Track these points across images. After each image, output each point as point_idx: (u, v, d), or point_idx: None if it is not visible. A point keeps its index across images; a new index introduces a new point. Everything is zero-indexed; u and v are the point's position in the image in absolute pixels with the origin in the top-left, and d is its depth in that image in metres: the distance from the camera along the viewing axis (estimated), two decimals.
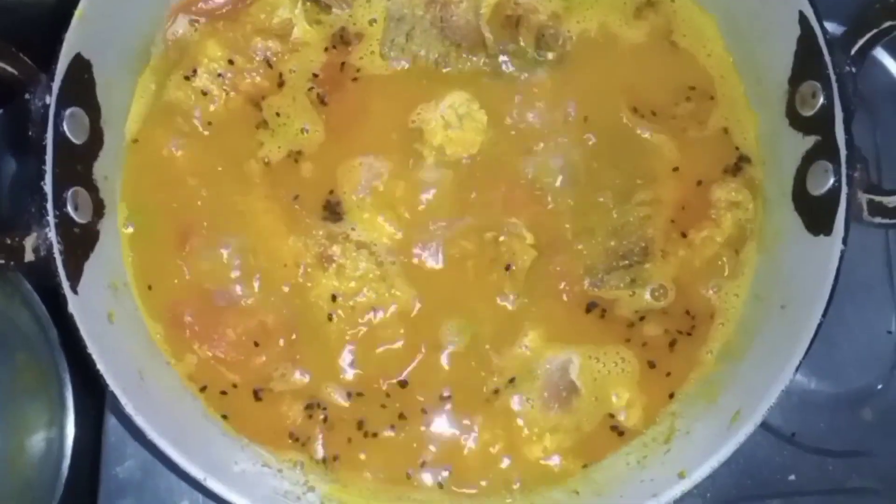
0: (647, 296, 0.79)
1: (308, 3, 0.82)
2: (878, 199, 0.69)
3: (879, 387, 0.90)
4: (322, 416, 0.77)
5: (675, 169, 0.81)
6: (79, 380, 0.84)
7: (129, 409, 0.68)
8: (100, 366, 0.67)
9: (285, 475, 0.76)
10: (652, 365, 0.79)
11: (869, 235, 0.90)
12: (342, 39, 0.82)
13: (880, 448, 0.88)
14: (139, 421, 0.68)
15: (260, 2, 0.82)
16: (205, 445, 0.74)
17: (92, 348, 0.67)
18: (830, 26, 0.91)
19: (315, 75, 0.81)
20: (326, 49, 0.81)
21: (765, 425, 0.84)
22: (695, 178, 0.81)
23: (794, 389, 0.88)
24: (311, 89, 0.81)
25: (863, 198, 0.70)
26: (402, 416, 0.78)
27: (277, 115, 0.80)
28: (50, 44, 0.70)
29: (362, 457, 0.78)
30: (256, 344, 0.77)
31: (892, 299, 0.91)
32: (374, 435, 0.77)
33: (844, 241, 0.69)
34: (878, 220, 0.70)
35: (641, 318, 0.79)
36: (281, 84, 0.81)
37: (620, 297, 0.79)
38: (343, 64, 0.81)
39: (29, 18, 0.89)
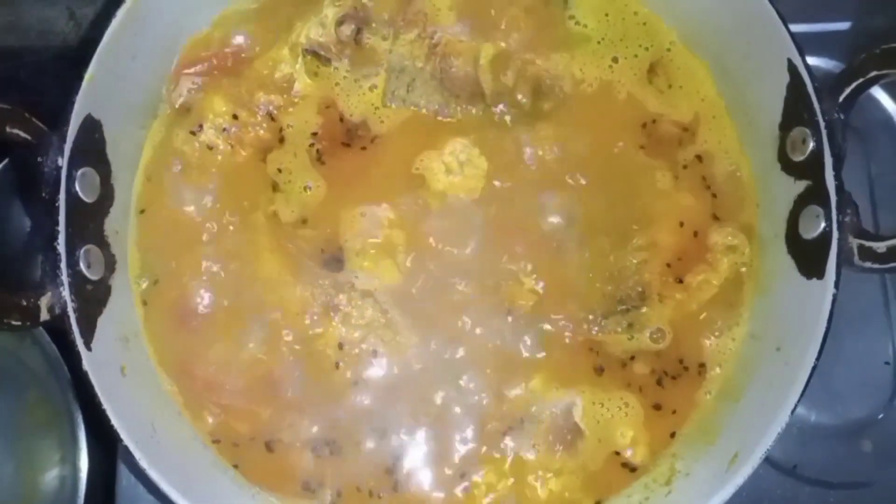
0: (647, 339, 0.80)
1: (308, 57, 0.84)
2: (868, 244, 0.70)
3: (880, 416, 0.91)
4: (328, 451, 0.78)
5: (681, 224, 0.82)
6: (90, 417, 0.85)
7: (144, 463, 0.69)
8: (114, 421, 0.68)
9: None
10: (657, 407, 0.79)
11: None
12: (348, 133, 0.83)
13: (880, 479, 0.89)
14: (152, 474, 0.69)
15: (262, 57, 0.84)
16: (216, 496, 0.75)
17: (106, 404, 0.68)
18: (823, 62, 0.93)
19: (314, 133, 0.83)
20: (320, 111, 0.83)
21: (766, 458, 0.84)
22: (691, 222, 0.82)
23: (795, 422, 0.87)
24: (311, 145, 0.82)
25: (853, 243, 0.71)
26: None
27: (280, 171, 0.82)
28: (56, 91, 0.72)
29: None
30: (265, 394, 0.78)
31: (890, 330, 0.92)
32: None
33: (836, 286, 0.70)
34: (868, 264, 0.70)
35: (632, 358, 0.80)
36: (282, 140, 0.83)
37: (619, 341, 0.80)
38: (349, 144, 0.83)
39: (32, 63, 0.91)
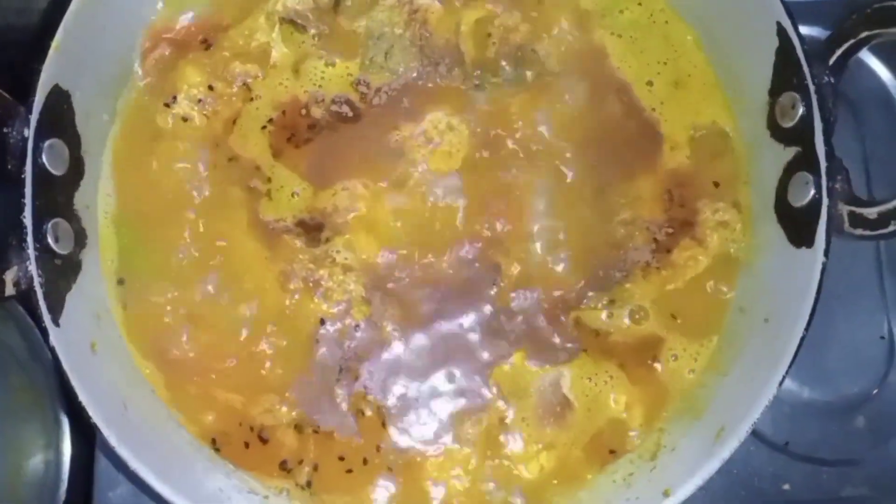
0: (626, 317, 0.79)
1: (284, 25, 0.82)
2: (858, 210, 0.69)
3: (874, 392, 0.89)
4: (310, 430, 0.77)
5: (669, 197, 0.81)
6: (72, 400, 0.84)
7: (113, 441, 0.68)
8: (82, 398, 0.67)
9: (271, 501, 0.76)
10: (639, 377, 0.78)
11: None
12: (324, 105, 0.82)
13: (874, 456, 0.87)
14: (123, 452, 0.68)
15: (237, 27, 0.82)
16: (190, 475, 0.73)
17: (75, 381, 0.67)
18: (812, 30, 0.91)
19: (283, 112, 0.81)
20: (296, 84, 0.81)
21: (758, 435, 0.84)
22: (680, 196, 0.81)
23: (787, 398, 0.87)
24: (272, 121, 0.81)
25: (843, 209, 0.69)
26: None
27: (269, 179, 0.80)
28: (28, 67, 0.70)
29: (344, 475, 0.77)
30: (244, 374, 0.77)
31: (884, 304, 0.90)
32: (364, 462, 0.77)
33: (826, 254, 0.69)
34: (858, 231, 0.69)
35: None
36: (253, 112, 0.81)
37: (599, 315, 0.78)
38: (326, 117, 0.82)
39: (11, 42, 0.89)
